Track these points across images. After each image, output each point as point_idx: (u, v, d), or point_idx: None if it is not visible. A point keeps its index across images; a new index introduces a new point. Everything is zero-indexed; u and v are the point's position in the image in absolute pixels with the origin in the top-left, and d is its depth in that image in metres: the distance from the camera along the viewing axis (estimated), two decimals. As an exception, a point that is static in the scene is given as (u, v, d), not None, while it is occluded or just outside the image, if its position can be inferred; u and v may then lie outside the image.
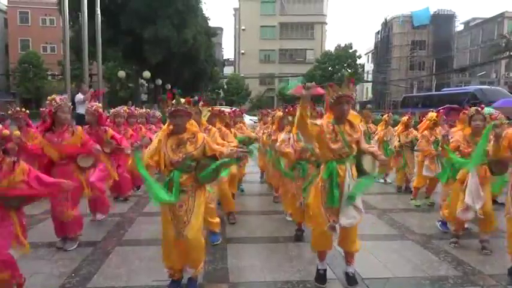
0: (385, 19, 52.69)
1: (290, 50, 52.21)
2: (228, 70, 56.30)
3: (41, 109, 6.54)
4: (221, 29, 54.81)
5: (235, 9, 53.57)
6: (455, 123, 6.08)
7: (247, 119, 17.22)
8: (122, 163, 5.83)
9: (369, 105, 40.62)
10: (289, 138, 4.31)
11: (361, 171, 3.29)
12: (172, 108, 2.99)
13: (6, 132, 2.87)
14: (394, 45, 50.62)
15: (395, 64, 50.25)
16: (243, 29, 51.45)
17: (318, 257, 3.44)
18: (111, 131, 5.17)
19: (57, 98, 4.12)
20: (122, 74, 20.35)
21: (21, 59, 39.30)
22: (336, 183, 3.11)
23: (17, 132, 5.57)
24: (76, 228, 4.23)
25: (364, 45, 68.61)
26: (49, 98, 4.15)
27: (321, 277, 3.38)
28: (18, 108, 5.77)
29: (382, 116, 9.73)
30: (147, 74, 19.96)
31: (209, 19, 28.84)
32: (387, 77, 50.92)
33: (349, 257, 3.39)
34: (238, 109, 7.96)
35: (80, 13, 23.80)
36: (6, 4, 44.36)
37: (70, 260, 3.83)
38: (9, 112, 5.66)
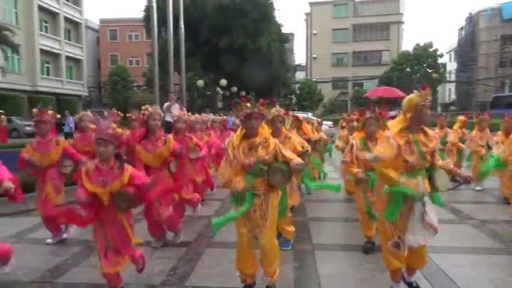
0: (470, 13, 48.69)
1: (364, 52, 50.68)
2: (299, 75, 56.22)
3: (127, 115, 7.15)
4: (292, 34, 54.94)
5: (306, 14, 53.43)
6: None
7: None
8: (199, 168, 6.14)
9: (451, 107, 37.68)
10: (351, 145, 4.13)
11: (432, 186, 3.00)
12: (248, 111, 3.03)
13: (120, 130, 3.18)
14: (481, 41, 46.49)
15: (483, 61, 46.08)
16: (315, 34, 51.14)
17: (390, 277, 3.20)
18: (195, 139, 5.44)
19: (150, 108, 4.46)
20: (200, 83, 21.35)
21: (111, 73, 43.08)
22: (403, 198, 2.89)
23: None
24: (175, 225, 4.54)
25: (445, 43, 63.82)
26: (143, 108, 4.50)
27: None
28: (115, 111, 6.33)
29: (472, 118, 8.91)
30: (223, 82, 20.75)
31: (282, 26, 29.12)
32: (473, 76, 46.91)
33: (412, 271, 3.15)
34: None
35: (163, 28, 25.67)
36: (98, 24, 49.10)
37: (168, 259, 4.08)
38: (105, 116, 6.18)
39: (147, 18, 24.62)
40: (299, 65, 61.96)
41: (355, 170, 3.97)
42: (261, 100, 3.16)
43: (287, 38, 30.41)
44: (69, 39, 37.68)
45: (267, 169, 3.04)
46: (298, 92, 46.41)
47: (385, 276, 3.39)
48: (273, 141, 3.12)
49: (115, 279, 3.16)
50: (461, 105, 46.07)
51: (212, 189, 7.25)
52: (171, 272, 3.74)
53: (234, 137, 3.17)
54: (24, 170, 4.44)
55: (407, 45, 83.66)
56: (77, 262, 4.01)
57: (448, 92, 57.34)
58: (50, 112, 4.47)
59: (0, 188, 3.08)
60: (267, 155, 3.04)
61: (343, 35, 50.73)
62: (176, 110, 9.33)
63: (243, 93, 30.36)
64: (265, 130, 3.19)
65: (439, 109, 48.77)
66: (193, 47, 20.88)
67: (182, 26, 15.79)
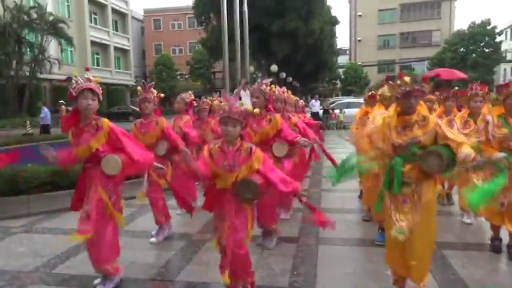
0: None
1: (412, 32, 48.34)
2: (341, 60, 54.67)
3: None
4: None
5: (350, -4, 51.55)
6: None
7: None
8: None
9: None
10: (487, 123, 3.63)
11: None
12: (408, 88, 2.59)
13: (250, 108, 2.85)
14: (545, 17, 42.83)
15: (546, 39, 42.53)
16: (359, 15, 49.40)
17: None
18: (294, 119, 5.04)
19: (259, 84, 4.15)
20: (251, 69, 21.04)
21: (157, 62, 43.72)
22: None
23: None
24: (272, 221, 4.10)
25: (502, 20, 59.29)
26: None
27: None
28: (205, 99, 6.09)
29: None
30: (274, 67, 20.29)
31: (331, 8, 28.08)
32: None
33: None
34: None
35: (211, 14, 25.46)
36: (143, 14, 49.88)
37: (282, 256, 3.78)
38: (195, 104, 5.86)
39: (197, 5, 24.46)
40: (341, 49, 60.21)
41: (495, 153, 3.41)
42: (424, 75, 2.72)
43: (337, 20, 29.35)
44: (117, 30, 38.56)
45: (420, 154, 2.59)
46: (343, 76, 45.15)
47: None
48: (433, 119, 2.67)
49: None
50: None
51: None
52: (294, 272, 3.42)
53: (387, 113, 2.77)
54: None
55: (460, 24, 77.87)
56: (187, 258, 3.79)
57: (504, 72, 53.52)
58: (154, 91, 4.24)
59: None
60: (424, 136, 2.61)
61: (390, 15, 48.58)
62: (247, 97, 9.02)
63: (290, 79, 29.81)
64: (423, 108, 2.74)
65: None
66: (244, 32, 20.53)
67: (246, 8, 15.09)
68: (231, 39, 15.26)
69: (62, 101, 19.85)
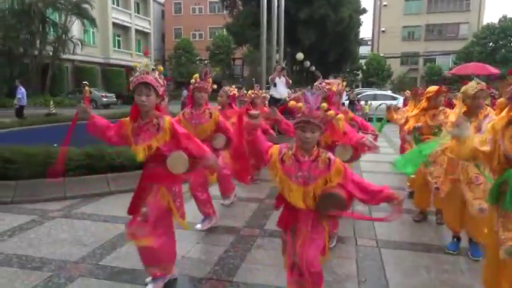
0: None
1: (439, 25, 46.81)
2: (362, 50, 53.55)
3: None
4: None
5: (376, -16, 50.13)
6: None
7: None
8: None
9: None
10: None
11: None
12: None
13: (332, 112, 2.44)
14: None
15: None
16: (385, 5, 48.04)
17: None
18: (351, 113, 4.69)
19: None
20: (276, 57, 20.53)
21: (176, 46, 43.37)
22: None
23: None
24: (334, 226, 3.76)
25: (532, 15, 56.86)
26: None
27: None
28: (245, 92, 5.78)
29: None
30: (300, 55, 19.70)
31: (360, -5, 27.25)
32: None
33: None
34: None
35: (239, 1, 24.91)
36: (164, -3, 49.53)
37: (343, 259, 3.48)
38: (236, 95, 5.57)
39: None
40: (362, 39, 58.94)
41: None
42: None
43: (364, 9, 28.49)
44: (138, 13, 38.31)
45: None
46: (364, 67, 44.25)
47: None
48: None
49: None
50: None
51: None
52: (363, 279, 3.11)
53: (497, 118, 2.37)
54: None
55: (490, 17, 73.97)
56: (241, 256, 3.51)
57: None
58: (210, 80, 3.92)
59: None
60: None
61: (417, 6, 47.14)
62: (281, 85, 8.67)
63: (313, 68, 29.23)
64: None
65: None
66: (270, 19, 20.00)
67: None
68: (260, 26, 14.77)
69: (85, 82, 19.68)
